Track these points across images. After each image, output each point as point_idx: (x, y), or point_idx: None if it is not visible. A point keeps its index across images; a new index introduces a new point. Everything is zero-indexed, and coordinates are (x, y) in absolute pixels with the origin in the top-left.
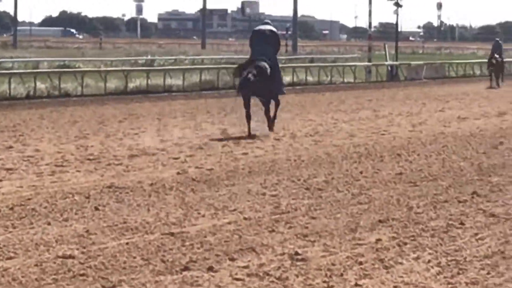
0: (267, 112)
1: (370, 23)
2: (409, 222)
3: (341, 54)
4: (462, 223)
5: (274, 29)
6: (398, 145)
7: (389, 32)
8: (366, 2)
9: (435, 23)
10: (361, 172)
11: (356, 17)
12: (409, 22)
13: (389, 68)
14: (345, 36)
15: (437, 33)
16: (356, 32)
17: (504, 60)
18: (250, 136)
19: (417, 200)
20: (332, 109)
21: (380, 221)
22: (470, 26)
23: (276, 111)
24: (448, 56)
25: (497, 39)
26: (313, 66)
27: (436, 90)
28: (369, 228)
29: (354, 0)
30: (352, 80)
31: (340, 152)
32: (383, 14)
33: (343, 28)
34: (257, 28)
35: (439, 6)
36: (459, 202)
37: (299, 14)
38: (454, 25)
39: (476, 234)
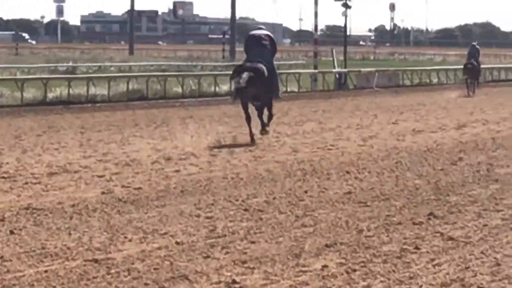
0: (260, 115)
1: (316, 26)
2: (358, 246)
3: (284, 60)
4: (417, 248)
5: (270, 34)
6: (347, 161)
7: (337, 36)
8: (311, 3)
9: (388, 26)
10: (305, 191)
11: (300, 19)
12: (359, 25)
13: (337, 75)
14: (288, 40)
15: (390, 37)
16: (301, 36)
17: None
18: (252, 139)
19: (367, 222)
20: (274, 122)
21: (326, 245)
22: (427, 30)
23: (270, 113)
24: (402, 62)
25: (474, 43)
26: None
27: (389, 100)
28: (314, 254)
29: (299, 1)
30: (296, 89)
31: (282, 169)
32: (331, 16)
33: (286, 32)
34: (252, 32)
35: (392, 7)
36: (414, 224)
37: (237, 16)
38: (409, 28)
39: (433, 259)
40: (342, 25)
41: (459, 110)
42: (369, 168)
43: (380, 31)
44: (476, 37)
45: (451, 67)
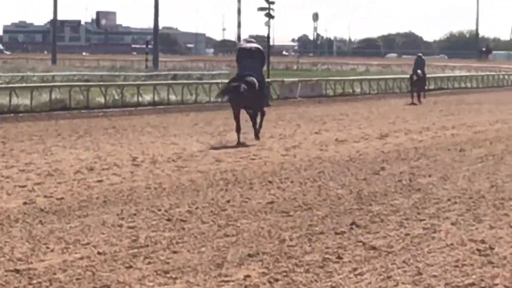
0: (254, 123)
1: (239, 36)
2: (281, 256)
3: (207, 70)
4: (339, 257)
5: (259, 46)
6: (270, 171)
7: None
8: (234, 13)
9: (311, 36)
10: (228, 201)
11: (224, 29)
12: (283, 35)
13: None
14: (212, 50)
15: (313, 47)
16: (224, 46)
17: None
18: (240, 144)
19: (290, 232)
20: (197, 131)
21: (249, 255)
22: (350, 39)
23: (262, 120)
24: (325, 72)
25: (420, 54)
26: (176, 83)
27: (312, 110)
28: (237, 263)
29: (222, 11)
30: (219, 99)
31: (205, 179)
32: (254, 26)
33: (209, 42)
34: (243, 46)
35: (315, 17)
36: (336, 233)
37: (160, 26)
38: (332, 38)
39: (355, 269)
40: (265, 35)
41: (382, 120)
42: (291, 178)
43: (303, 41)
44: (399, 47)
45: (374, 77)
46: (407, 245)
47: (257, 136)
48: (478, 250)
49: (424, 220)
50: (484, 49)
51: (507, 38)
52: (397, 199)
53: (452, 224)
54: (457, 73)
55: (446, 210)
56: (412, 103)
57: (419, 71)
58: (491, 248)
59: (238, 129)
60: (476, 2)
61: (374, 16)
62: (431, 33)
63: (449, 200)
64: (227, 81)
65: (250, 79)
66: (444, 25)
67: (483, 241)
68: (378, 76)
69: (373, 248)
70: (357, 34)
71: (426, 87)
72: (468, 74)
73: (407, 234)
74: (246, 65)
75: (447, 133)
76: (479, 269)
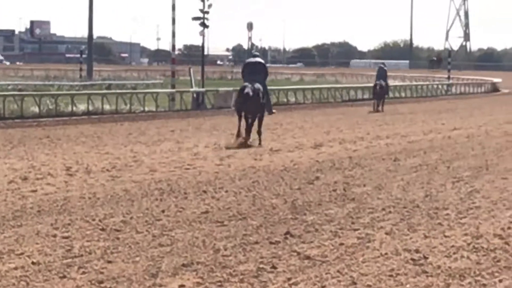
0: (259, 128)
1: (173, 46)
2: (215, 265)
3: (141, 79)
4: (274, 267)
5: (262, 61)
6: (204, 181)
7: (195, 55)
8: (169, 23)
9: (246, 45)
10: (163, 211)
11: (158, 38)
12: (217, 44)
13: (195, 95)
14: (146, 60)
15: (248, 56)
16: (159, 56)
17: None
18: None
19: (224, 242)
20: (131, 141)
21: (183, 265)
22: (284, 49)
23: (260, 126)
24: None
25: (382, 65)
26: (110, 93)
27: None
28: (171, 273)
29: (156, 20)
30: (154, 109)
31: (140, 189)
32: (188, 36)
33: (144, 51)
34: (248, 60)
35: (250, 26)
36: (271, 243)
37: (94, 36)
38: (266, 47)
39: (290, 278)
40: (200, 44)
41: (316, 130)
42: (226, 187)
43: (238, 51)
44: (333, 56)
45: (309, 86)
46: (342, 255)
47: (259, 140)
48: (412, 259)
49: (358, 229)
50: (435, 58)
51: (441, 47)
52: (332, 208)
53: (387, 233)
54: (391, 82)
55: (380, 219)
56: (376, 111)
57: (382, 81)
58: (425, 258)
59: (238, 135)
60: (410, 12)
61: (309, 26)
62: (366, 43)
63: (383, 209)
64: (162, 90)
65: (257, 85)
66: (379, 35)
67: (417, 251)
68: (313, 85)
69: (308, 257)
70: (291, 43)
71: (387, 96)
72: (402, 83)
73: (341, 244)
74: (251, 77)
75: (382, 142)
76: (413, 279)
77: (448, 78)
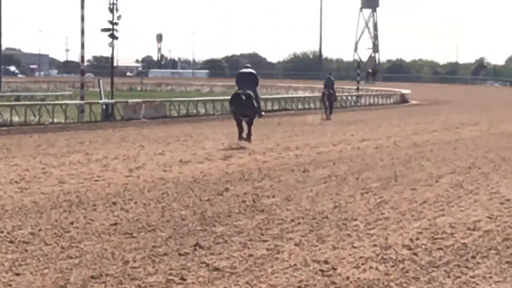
0: (249, 128)
1: (82, 57)
2: (124, 277)
3: (51, 91)
4: (183, 278)
5: (253, 71)
6: (113, 192)
7: (104, 66)
8: (78, 34)
9: (155, 56)
10: (71, 223)
11: (67, 50)
12: (127, 56)
13: (104, 106)
14: (55, 71)
15: (158, 67)
16: (68, 67)
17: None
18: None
19: (133, 253)
20: (40, 153)
21: (92, 277)
22: (194, 60)
23: (250, 127)
24: (169, 93)
25: (329, 75)
26: (19, 104)
27: (156, 131)
28: (80, 285)
29: (65, 31)
30: (63, 120)
31: (48, 201)
32: (98, 47)
33: (53, 62)
34: (241, 71)
35: (160, 38)
36: (180, 255)
37: (2, 47)
38: (176, 59)
39: None
40: (109, 55)
41: (225, 141)
42: (135, 199)
43: (147, 62)
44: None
45: (219, 98)
46: (251, 266)
47: (249, 139)
48: (321, 270)
49: (267, 241)
50: (370, 70)
51: (350, 58)
52: (241, 220)
53: (296, 244)
54: (300, 94)
55: (289, 230)
56: (327, 119)
57: (330, 90)
58: (334, 269)
59: (240, 133)
60: (319, 23)
61: (219, 37)
62: (275, 54)
63: (292, 220)
64: (71, 101)
65: (248, 92)
66: (288, 46)
67: (326, 262)
68: (222, 97)
69: (217, 269)
70: (201, 55)
71: (334, 105)
72: (311, 95)
73: (250, 255)
74: (244, 85)
75: (291, 153)
76: None
77: (357, 89)
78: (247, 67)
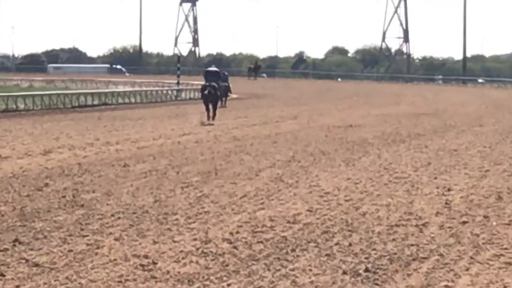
0: (214, 111)
1: None
2: None
3: None
4: (2, 274)
5: (217, 69)
6: None
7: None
8: None
9: None
10: None
11: None
12: None
13: None
14: None
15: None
16: None
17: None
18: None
19: None
20: None
21: None
22: (13, 55)
23: (215, 109)
24: None
25: (224, 71)
26: None
27: None
28: None
29: None
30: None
31: None
32: None
33: None
34: (208, 69)
35: None
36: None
37: None
38: None
39: (18, 286)
40: None
41: (46, 136)
42: None
43: None
44: (62, 62)
45: (39, 92)
46: (70, 261)
47: (214, 118)
48: (142, 265)
49: (87, 236)
50: (252, 66)
51: (170, 53)
52: (61, 215)
53: (116, 239)
54: (121, 88)
55: (109, 225)
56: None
57: (225, 83)
58: (154, 263)
59: (207, 112)
60: (139, 17)
61: (38, 32)
62: (95, 48)
63: (112, 215)
64: None
65: (213, 84)
66: (108, 40)
67: (146, 256)
68: (42, 92)
69: (36, 265)
70: (21, 49)
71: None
72: (132, 89)
73: (70, 250)
74: (210, 79)
75: (111, 148)
76: (142, 284)
77: (178, 83)
78: (212, 66)
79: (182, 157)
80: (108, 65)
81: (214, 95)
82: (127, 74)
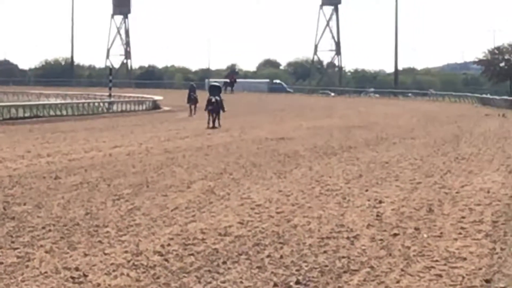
0: (218, 120)
1: None
2: None
3: None
4: None
5: (218, 84)
6: None
7: None
8: None
9: None
10: None
11: None
12: None
13: None
14: None
15: None
16: None
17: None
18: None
19: None
20: None
21: None
22: None
23: (219, 118)
24: None
25: (214, 82)
26: None
27: None
28: None
29: None
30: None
31: None
32: None
33: None
34: (212, 84)
35: None
36: None
37: None
38: None
39: None
40: None
41: None
42: None
43: None
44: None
45: None
46: (1, 274)
47: (219, 124)
48: (72, 277)
49: (18, 248)
50: (227, 80)
51: (103, 65)
52: None
53: (46, 252)
54: (52, 100)
55: (40, 238)
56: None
57: (216, 97)
58: (85, 276)
59: (209, 123)
60: (71, 29)
61: None
62: (26, 61)
63: (43, 228)
64: None
65: (216, 97)
66: (39, 53)
67: (77, 269)
68: None
69: None
70: None
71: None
72: (64, 102)
73: (0, 263)
74: (212, 93)
75: (43, 161)
76: None
77: (110, 96)
78: (214, 82)
79: (114, 170)
80: (267, 80)
81: (217, 107)
82: (291, 91)
